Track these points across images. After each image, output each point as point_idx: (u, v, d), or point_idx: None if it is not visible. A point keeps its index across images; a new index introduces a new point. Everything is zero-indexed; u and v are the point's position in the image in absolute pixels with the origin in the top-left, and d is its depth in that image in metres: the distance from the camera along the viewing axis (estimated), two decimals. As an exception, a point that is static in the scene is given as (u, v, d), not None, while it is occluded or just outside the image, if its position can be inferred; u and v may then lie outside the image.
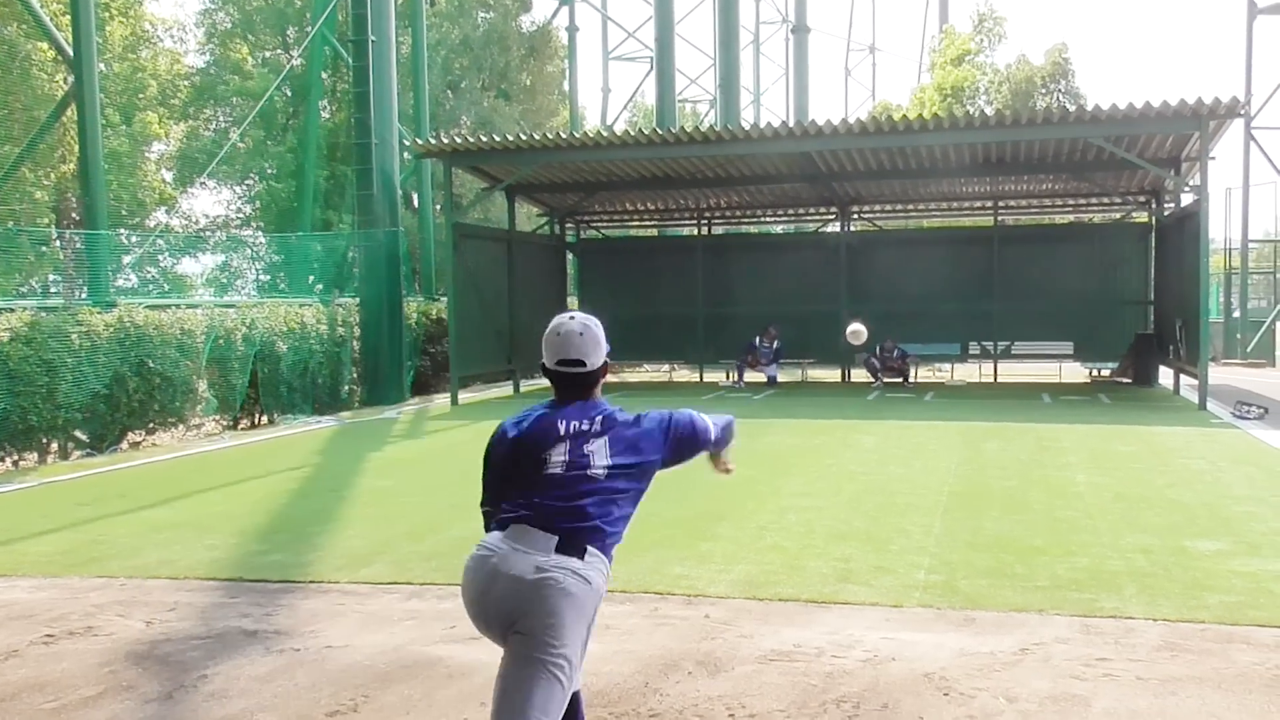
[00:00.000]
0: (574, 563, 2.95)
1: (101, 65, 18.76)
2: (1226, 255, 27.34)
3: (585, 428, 3.25)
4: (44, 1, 20.58)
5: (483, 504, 3.33)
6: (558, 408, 3.33)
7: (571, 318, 3.39)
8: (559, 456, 3.15)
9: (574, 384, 3.34)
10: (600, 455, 3.19)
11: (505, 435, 3.31)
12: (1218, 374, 18.08)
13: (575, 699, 3.08)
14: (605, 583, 3.08)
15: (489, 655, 4.49)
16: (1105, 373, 19.37)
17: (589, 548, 3.01)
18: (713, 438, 3.65)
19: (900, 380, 18.47)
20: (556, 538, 2.96)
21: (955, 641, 4.54)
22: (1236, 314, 26.08)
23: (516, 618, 2.88)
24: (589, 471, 3.14)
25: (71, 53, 13.57)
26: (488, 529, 3.17)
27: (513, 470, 3.19)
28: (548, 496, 3.05)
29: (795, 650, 4.47)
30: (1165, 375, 17.77)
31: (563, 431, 3.24)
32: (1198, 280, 14.48)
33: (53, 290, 14.05)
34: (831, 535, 6.63)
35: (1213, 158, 15.04)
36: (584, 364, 3.32)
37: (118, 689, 4.28)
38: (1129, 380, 18.46)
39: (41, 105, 20.64)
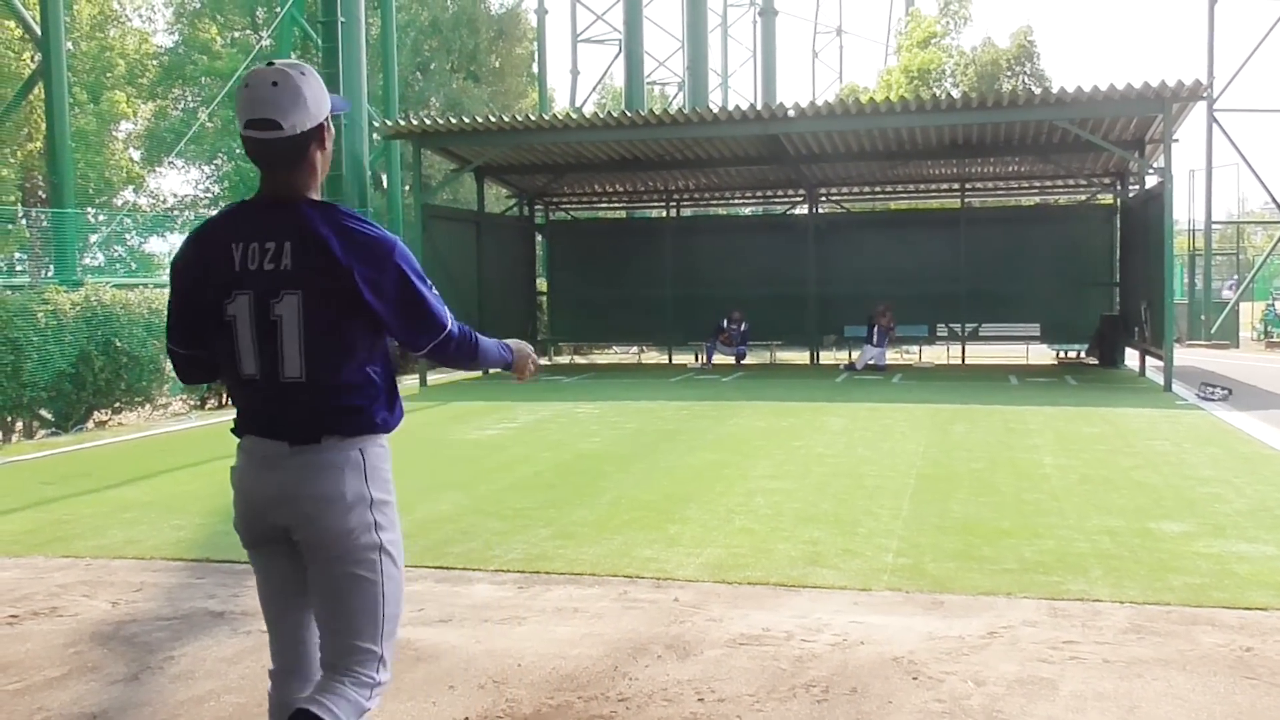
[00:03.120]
0: None
1: (69, 44, 18.48)
2: (1190, 236, 27.64)
3: (269, 264, 2.46)
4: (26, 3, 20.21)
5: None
6: (238, 216, 2.54)
7: (270, 64, 2.51)
8: (235, 312, 2.48)
9: (266, 162, 2.51)
10: (292, 337, 2.46)
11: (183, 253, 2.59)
12: (1182, 355, 18.29)
13: None
14: None
15: (457, 638, 4.48)
16: (1074, 354, 19.54)
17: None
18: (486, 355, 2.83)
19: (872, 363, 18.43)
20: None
21: (924, 625, 4.56)
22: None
23: None
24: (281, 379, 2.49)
25: (39, 31, 13.37)
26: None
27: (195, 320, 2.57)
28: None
29: (764, 634, 4.47)
30: (1131, 356, 17.96)
31: (238, 264, 2.48)
32: (1162, 262, 14.62)
33: (19, 269, 13.86)
34: (800, 518, 6.65)
35: (1176, 140, 15.16)
36: (279, 126, 2.44)
37: (83, 670, 4.22)
38: (1095, 362, 18.63)
39: (8, 84, 20.31)
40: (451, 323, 2.69)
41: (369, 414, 2.57)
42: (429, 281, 2.67)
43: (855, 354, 18.72)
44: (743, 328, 19.17)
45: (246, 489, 2.59)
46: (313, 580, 2.59)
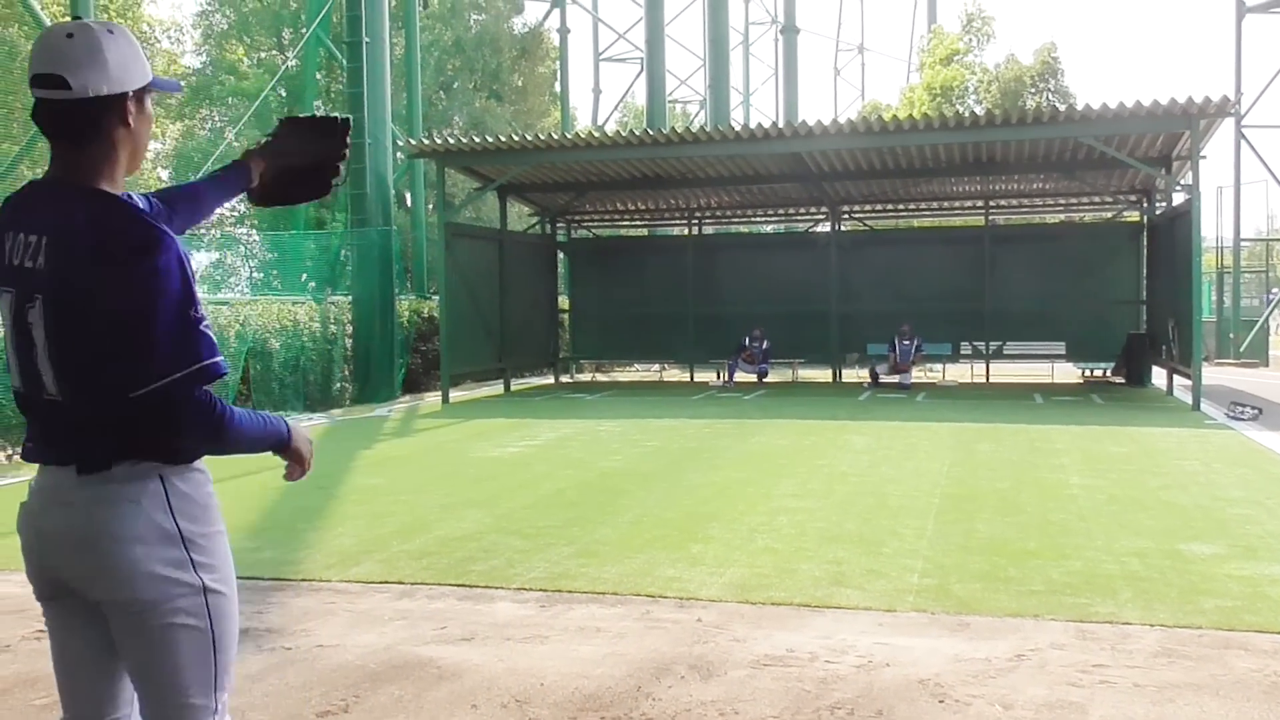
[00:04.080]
0: None
1: (98, 65, 18.68)
2: (1218, 254, 27.39)
3: (29, 262, 2.05)
4: (45, 3, 20.53)
5: None
6: (22, 198, 2.15)
7: (76, 17, 2.25)
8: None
9: (50, 131, 2.10)
10: (43, 349, 2.07)
11: None
12: (1211, 374, 18.10)
13: None
14: None
15: (480, 657, 4.46)
16: (1100, 373, 19.37)
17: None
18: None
19: (897, 381, 18.35)
20: None
21: (949, 647, 4.51)
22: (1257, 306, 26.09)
23: None
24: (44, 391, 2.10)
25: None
26: None
27: None
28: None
29: (788, 655, 4.43)
30: (1158, 376, 17.79)
31: (6, 257, 2.09)
32: (1190, 279, 14.48)
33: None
34: (823, 537, 6.60)
35: (1204, 157, 15.06)
36: (66, 85, 2.05)
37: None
38: (1121, 381, 18.47)
39: (40, 104, 20.60)
40: (191, 375, 2.05)
41: (162, 439, 2.12)
42: (197, 309, 2.08)
43: (881, 367, 18.67)
44: (765, 345, 19.13)
45: (34, 528, 2.18)
46: (123, 640, 2.17)
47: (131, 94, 2.13)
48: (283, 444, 2.32)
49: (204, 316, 2.09)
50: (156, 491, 2.12)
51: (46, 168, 2.15)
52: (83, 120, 2.07)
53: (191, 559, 2.14)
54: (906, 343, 18.39)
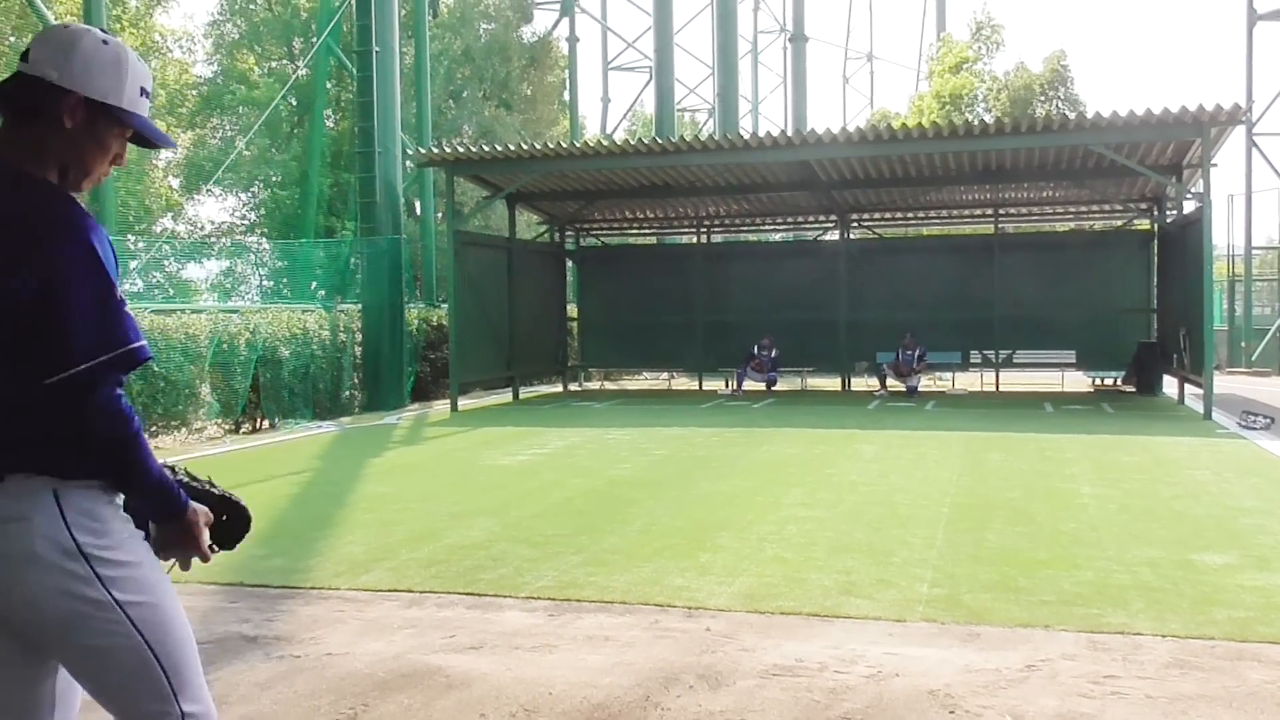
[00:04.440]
0: None
1: (112, 75, 18.80)
2: (1230, 262, 27.29)
3: None
4: (58, 14, 20.66)
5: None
6: None
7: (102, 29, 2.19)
8: None
9: (1, 101, 2.09)
10: None
11: None
12: (1222, 383, 18.03)
13: None
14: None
15: (488, 666, 4.45)
16: (1110, 381, 19.29)
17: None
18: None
19: (905, 390, 18.35)
20: None
21: (960, 657, 4.48)
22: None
23: None
24: None
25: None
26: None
27: None
28: None
29: (798, 665, 4.42)
30: (1169, 384, 17.71)
31: None
32: (1201, 288, 14.42)
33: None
34: (833, 547, 6.58)
35: (1215, 165, 15.01)
36: (25, 59, 2.07)
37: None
38: (1132, 389, 18.40)
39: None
40: (114, 360, 1.96)
41: (61, 449, 1.98)
42: (116, 293, 2.00)
43: (887, 372, 18.68)
44: (774, 354, 19.11)
45: None
46: (60, 659, 2.11)
47: (82, 99, 2.06)
48: (176, 509, 2.10)
49: (125, 300, 2.01)
50: (49, 505, 1.98)
51: None
52: (26, 98, 2.04)
53: (98, 574, 2.00)
54: (910, 352, 18.37)
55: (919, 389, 18.48)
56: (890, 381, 18.50)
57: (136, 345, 2.00)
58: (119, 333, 1.98)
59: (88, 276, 1.96)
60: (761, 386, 19.17)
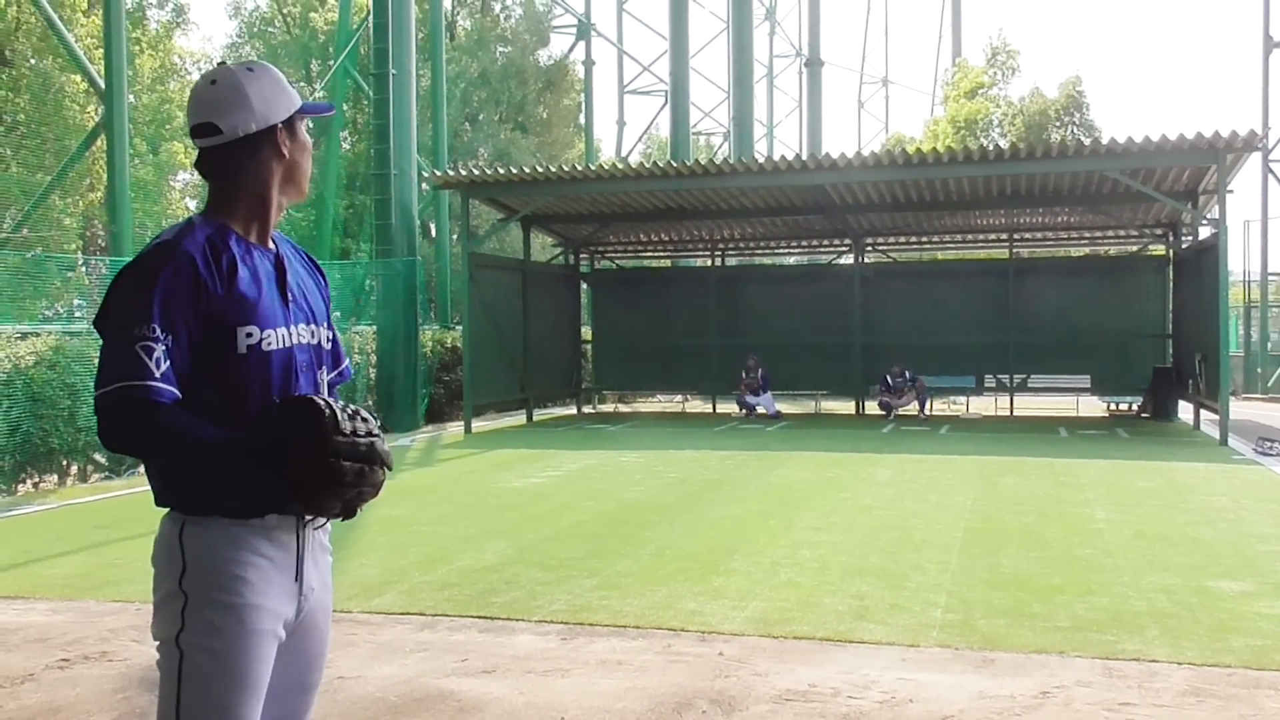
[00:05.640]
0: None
1: (131, 97, 19.04)
2: (1245, 288, 27.17)
3: None
4: (78, 36, 20.92)
5: None
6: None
7: (222, 62, 2.25)
8: None
9: (208, 171, 2.21)
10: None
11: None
12: (1238, 409, 17.92)
13: None
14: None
15: (501, 690, 4.44)
16: (1125, 407, 19.21)
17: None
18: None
19: (916, 412, 18.33)
20: None
21: (974, 683, 4.46)
22: None
23: None
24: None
25: (103, 85, 13.79)
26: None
27: None
28: None
29: (811, 690, 4.40)
30: (1185, 410, 17.62)
31: None
32: (1217, 314, 14.36)
33: (77, 315, 14.15)
34: (846, 571, 6.56)
35: (1231, 190, 14.98)
36: (219, 130, 2.14)
37: (131, 715, 4.25)
38: (1147, 415, 18.31)
39: (72, 135, 20.98)
40: (110, 393, 1.98)
41: (176, 484, 2.13)
42: (142, 329, 1.98)
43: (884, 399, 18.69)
44: (760, 373, 18.98)
45: None
46: None
47: (281, 125, 2.20)
48: (248, 450, 2.06)
49: (150, 335, 1.97)
50: (172, 544, 2.14)
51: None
52: (238, 159, 2.15)
53: (184, 621, 2.07)
54: (900, 380, 18.37)
55: (929, 411, 18.40)
56: (891, 406, 18.49)
57: (125, 385, 1.97)
58: (121, 370, 1.99)
59: (122, 309, 2.03)
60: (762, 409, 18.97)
